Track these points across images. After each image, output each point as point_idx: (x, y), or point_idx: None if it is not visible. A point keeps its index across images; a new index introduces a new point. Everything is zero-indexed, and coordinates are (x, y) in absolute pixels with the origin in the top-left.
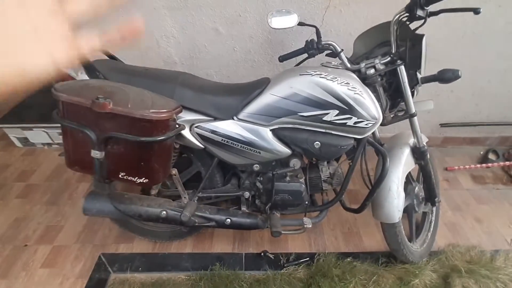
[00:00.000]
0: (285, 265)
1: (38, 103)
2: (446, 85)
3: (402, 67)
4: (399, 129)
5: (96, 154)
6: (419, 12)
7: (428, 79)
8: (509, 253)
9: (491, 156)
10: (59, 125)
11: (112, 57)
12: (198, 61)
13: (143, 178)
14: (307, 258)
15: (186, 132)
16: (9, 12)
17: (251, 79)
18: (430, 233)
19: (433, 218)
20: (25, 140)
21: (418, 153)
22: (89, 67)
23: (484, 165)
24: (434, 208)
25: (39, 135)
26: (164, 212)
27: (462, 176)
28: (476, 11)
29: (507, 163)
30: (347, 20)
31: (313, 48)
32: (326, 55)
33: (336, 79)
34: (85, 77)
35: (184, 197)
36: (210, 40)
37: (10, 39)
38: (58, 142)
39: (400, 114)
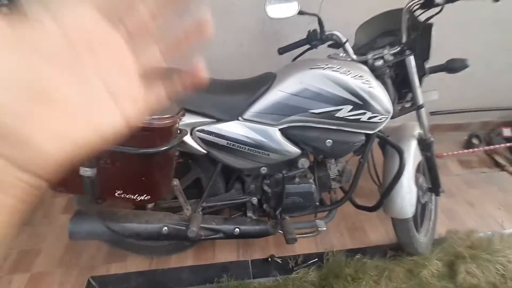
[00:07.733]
0: (295, 268)
1: None
2: (437, 75)
3: (412, 57)
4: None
5: (86, 171)
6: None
7: (435, 69)
8: (503, 235)
9: (474, 140)
10: None
11: None
12: None
13: (144, 195)
14: (316, 259)
15: (187, 138)
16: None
17: (243, 75)
18: (432, 222)
19: (433, 207)
20: None
21: (424, 144)
22: None
23: (471, 150)
24: (433, 197)
25: None
26: (166, 228)
27: (450, 162)
28: None
29: (491, 147)
30: (344, 8)
31: (316, 38)
32: (328, 46)
33: (350, 72)
34: None
35: (187, 209)
36: None
37: (87, 101)
38: None
39: (407, 106)
